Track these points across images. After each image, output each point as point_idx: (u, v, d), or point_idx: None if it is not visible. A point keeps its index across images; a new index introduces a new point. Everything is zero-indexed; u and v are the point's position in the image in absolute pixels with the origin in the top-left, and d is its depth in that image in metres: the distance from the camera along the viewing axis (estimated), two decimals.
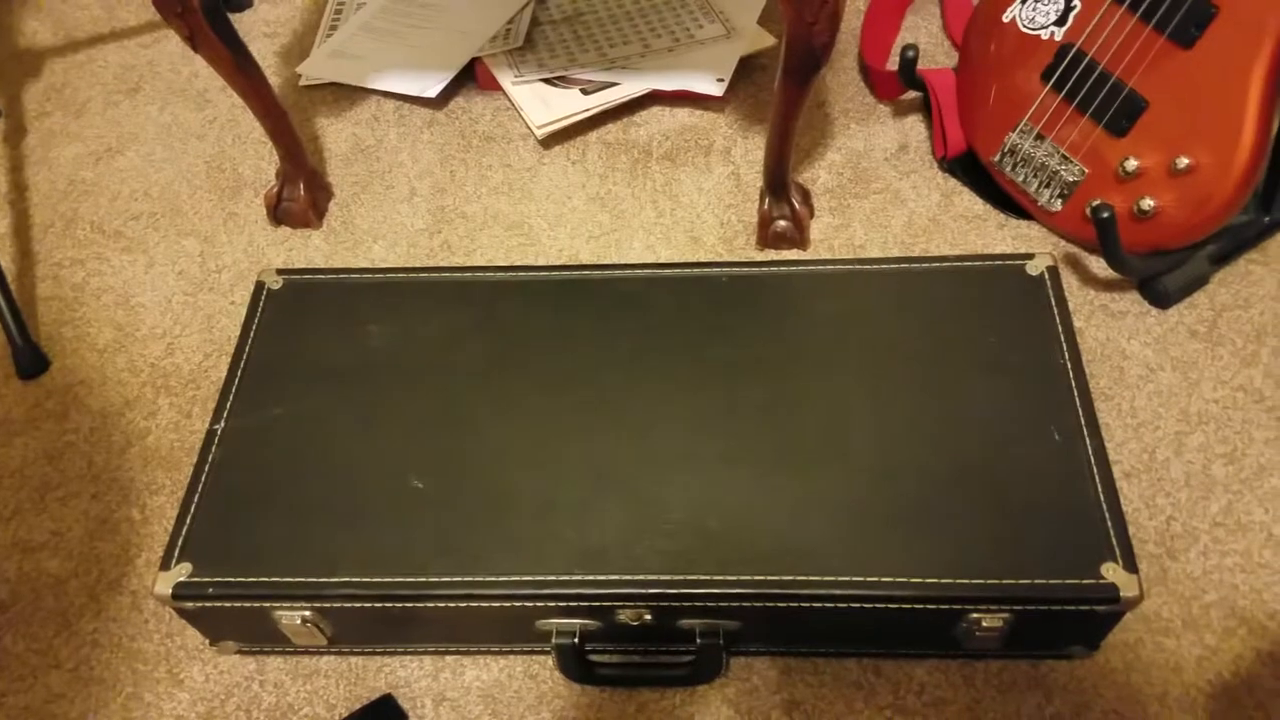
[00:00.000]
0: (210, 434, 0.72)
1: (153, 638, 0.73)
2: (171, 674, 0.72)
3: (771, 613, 0.64)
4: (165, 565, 0.66)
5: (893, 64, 1.01)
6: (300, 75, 1.10)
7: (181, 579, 0.65)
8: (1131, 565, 0.61)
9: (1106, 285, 0.87)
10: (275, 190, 0.96)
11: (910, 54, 0.93)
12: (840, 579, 0.62)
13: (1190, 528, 0.73)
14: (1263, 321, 0.83)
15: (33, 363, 0.89)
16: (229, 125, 1.07)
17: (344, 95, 1.08)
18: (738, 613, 0.64)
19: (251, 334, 0.78)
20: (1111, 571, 0.61)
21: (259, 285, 0.81)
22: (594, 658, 0.68)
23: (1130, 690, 0.67)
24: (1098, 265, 0.88)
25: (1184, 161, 0.78)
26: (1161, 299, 0.85)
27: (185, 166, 1.04)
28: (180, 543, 0.67)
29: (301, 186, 0.95)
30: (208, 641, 0.72)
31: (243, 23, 1.17)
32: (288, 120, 0.92)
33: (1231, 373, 0.81)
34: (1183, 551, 0.72)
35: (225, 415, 0.73)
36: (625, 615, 0.64)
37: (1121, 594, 0.60)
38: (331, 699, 0.70)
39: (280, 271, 0.81)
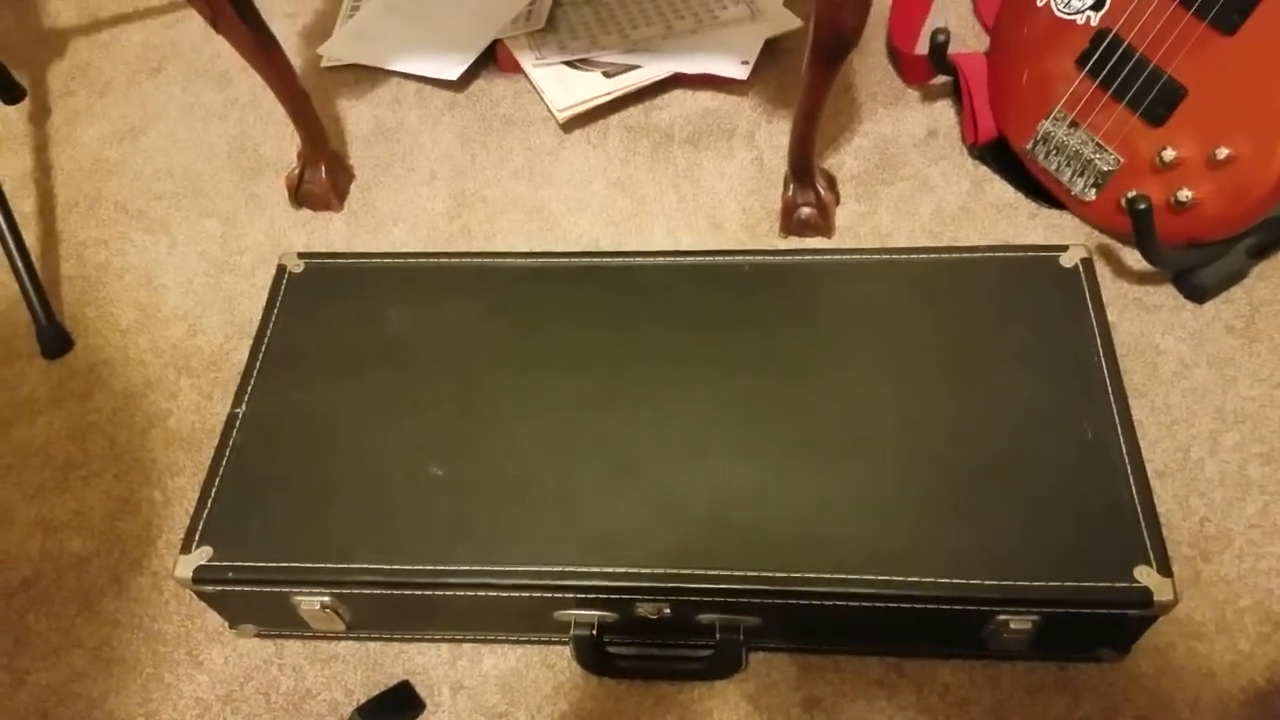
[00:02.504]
0: (231, 418, 0.72)
1: (173, 619, 0.74)
2: (191, 656, 0.72)
3: (792, 609, 0.63)
4: (186, 549, 0.66)
5: (922, 48, 0.99)
6: (321, 56, 1.09)
7: (202, 562, 0.65)
8: (1165, 568, 0.60)
9: (1140, 278, 0.85)
10: (296, 172, 0.95)
11: (941, 38, 0.91)
12: (864, 578, 0.61)
13: (1225, 529, 0.71)
14: None
15: (57, 342, 0.89)
16: (250, 106, 1.07)
17: (365, 76, 1.07)
18: (758, 609, 0.63)
19: (273, 318, 0.77)
20: (1145, 575, 0.59)
21: (280, 269, 0.80)
22: (612, 649, 0.68)
23: (1161, 695, 0.65)
24: (1131, 257, 0.85)
25: (1224, 152, 0.76)
26: (1197, 293, 0.82)
27: (207, 147, 1.04)
28: (201, 526, 0.67)
29: (322, 168, 0.94)
30: (227, 624, 0.72)
31: (264, 3, 1.15)
32: (309, 102, 0.92)
33: (1269, 370, 0.79)
34: (1217, 554, 0.70)
35: (246, 399, 0.73)
36: (644, 609, 0.64)
37: (1155, 598, 0.59)
38: (349, 684, 0.70)
39: (301, 255, 0.81)
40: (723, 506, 0.64)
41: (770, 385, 0.70)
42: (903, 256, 0.77)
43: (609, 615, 0.65)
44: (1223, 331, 0.81)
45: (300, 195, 0.96)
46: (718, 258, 0.78)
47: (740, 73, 0.99)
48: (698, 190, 0.95)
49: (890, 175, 0.94)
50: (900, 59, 1.01)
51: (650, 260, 0.79)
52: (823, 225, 0.89)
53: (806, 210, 0.89)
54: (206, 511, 0.68)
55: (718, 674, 0.67)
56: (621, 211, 0.94)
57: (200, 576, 0.65)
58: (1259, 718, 0.64)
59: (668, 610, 0.64)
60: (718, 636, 0.65)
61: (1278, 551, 0.70)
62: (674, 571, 0.62)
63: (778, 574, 0.62)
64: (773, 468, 0.66)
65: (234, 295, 0.92)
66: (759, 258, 0.78)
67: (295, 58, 1.09)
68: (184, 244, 0.96)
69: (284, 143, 1.02)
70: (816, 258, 0.78)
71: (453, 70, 1.03)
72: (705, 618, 0.65)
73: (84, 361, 0.89)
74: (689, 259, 0.79)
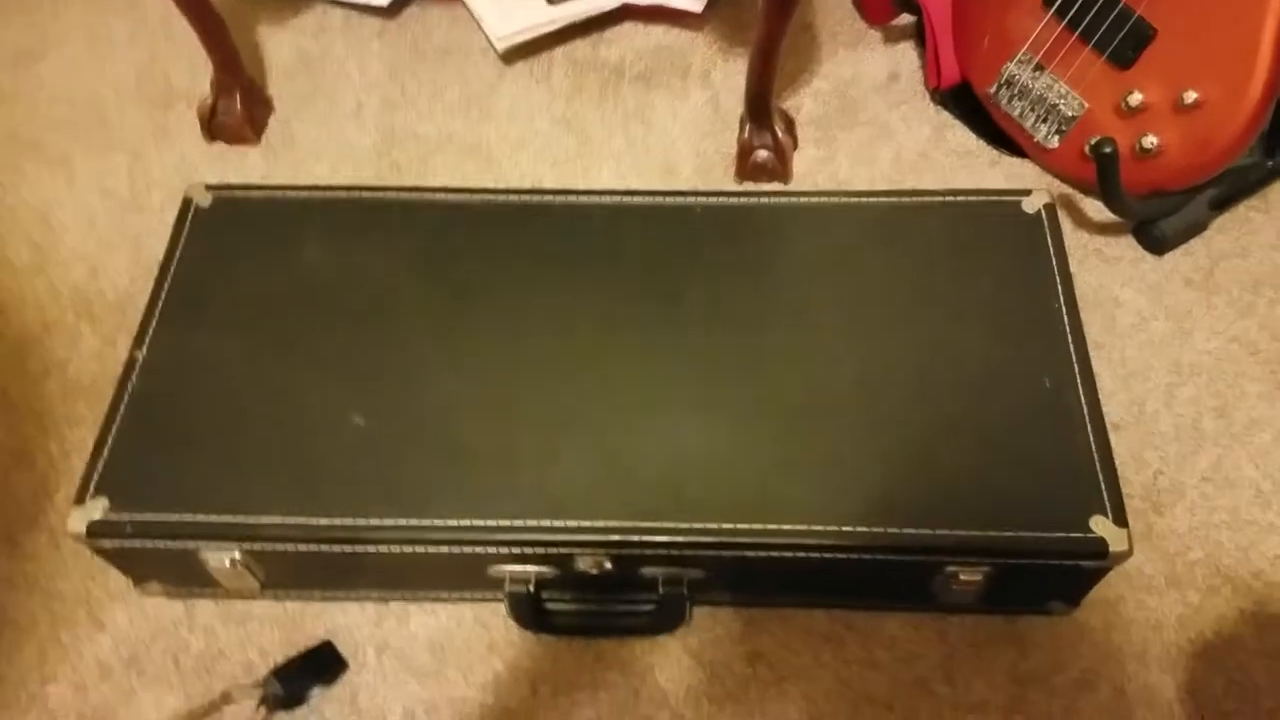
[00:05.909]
0: (131, 360, 0.66)
1: (72, 577, 0.68)
2: (92, 616, 0.67)
3: (738, 561, 0.60)
4: (79, 500, 0.61)
5: None
6: None
7: (97, 516, 0.60)
8: (1121, 519, 0.59)
9: (1100, 228, 0.83)
10: (209, 103, 0.88)
11: None
12: (812, 528, 0.59)
13: (1178, 483, 0.70)
14: (1261, 271, 0.80)
15: None
16: (161, 30, 0.98)
17: (287, 3, 1.00)
18: (702, 561, 0.61)
19: (178, 254, 0.71)
20: (1101, 525, 0.58)
21: (186, 201, 0.74)
22: (550, 606, 0.64)
23: (1109, 648, 0.64)
24: (1092, 207, 0.84)
25: (1191, 96, 0.74)
26: (1158, 244, 0.81)
27: (112, 74, 0.95)
28: (96, 476, 0.61)
29: (238, 99, 0.87)
30: (131, 583, 0.67)
31: None
32: (222, 25, 0.85)
33: (1226, 323, 0.78)
34: (1169, 507, 0.69)
35: (148, 341, 0.67)
36: (584, 563, 0.61)
37: (1110, 548, 0.58)
38: (265, 645, 0.65)
39: (210, 187, 0.74)
40: (670, 463, 0.61)
41: (722, 334, 0.67)
42: (861, 200, 0.75)
43: (547, 571, 0.62)
44: (1181, 284, 0.80)
45: (213, 127, 0.89)
46: (668, 198, 0.74)
47: (695, 5, 0.94)
48: (649, 131, 0.90)
49: (850, 120, 0.90)
50: None
51: (596, 200, 0.74)
52: (780, 170, 0.86)
53: (763, 154, 0.85)
54: (103, 460, 0.62)
55: (660, 628, 0.64)
56: (566, 151, 0.89)
57: (95, 530, 0.60)
58: (1206, 671, 0.63)
59: (609, 564, 0.60)
60: (661, 590, 0.62)
61: (1229, 505, 0.69)
62: (615, 524, 0.59)
63: (724, 525, 0.59)
64: (722, 421, 0.63)
65: (141, 235, 0.84)
66: (712, 199, 0.74)
67: None
68: (85, 179, 0.88)
69: (197, 71, 0.94)
70: (771, 200, 0.75)
71: None
72: (648, 571, 0.62)
73: None
74: (638, 199, 0.74)
